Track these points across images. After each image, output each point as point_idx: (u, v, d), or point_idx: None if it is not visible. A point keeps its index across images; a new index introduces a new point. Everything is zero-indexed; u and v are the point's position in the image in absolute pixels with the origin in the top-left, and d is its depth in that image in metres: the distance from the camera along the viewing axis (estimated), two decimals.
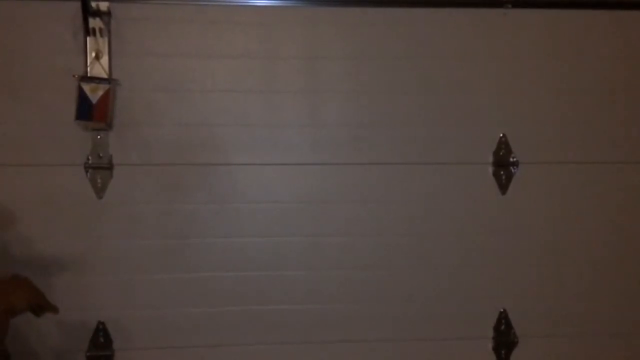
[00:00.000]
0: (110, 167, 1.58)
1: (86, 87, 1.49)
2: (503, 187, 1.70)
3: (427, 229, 1.69)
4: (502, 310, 1.73)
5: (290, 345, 1.67)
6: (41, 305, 1.20)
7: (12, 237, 1.54)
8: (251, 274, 1.65)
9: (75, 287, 1.58)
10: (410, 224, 1.68)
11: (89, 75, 1.53)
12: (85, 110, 1.49)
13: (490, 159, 1.69)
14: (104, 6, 1.53)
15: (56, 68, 1.53)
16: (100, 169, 1.57)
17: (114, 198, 1.58)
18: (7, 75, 1.54)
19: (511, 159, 1.69)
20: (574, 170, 1.71)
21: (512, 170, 1.69)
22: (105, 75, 1.53)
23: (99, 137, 1.57)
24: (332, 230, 1.66)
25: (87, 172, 1.57)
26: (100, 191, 1.58)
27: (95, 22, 1.52)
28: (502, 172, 1.69)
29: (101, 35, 1.54)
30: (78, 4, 1.49)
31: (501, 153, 1.69)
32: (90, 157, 1.57)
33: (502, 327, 1.73)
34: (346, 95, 1.65)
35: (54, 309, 1.22)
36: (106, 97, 1.50)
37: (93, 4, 1.51)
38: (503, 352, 1.73)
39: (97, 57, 1.54)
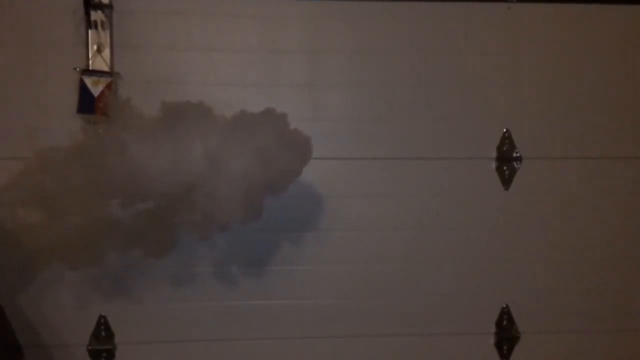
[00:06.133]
0: None
1: (88, 81, 1.49)
2: (506, 182, 1.69)
3: (429, 224, 1.68)
4: (504, 305, 1.73)
5: (292, 340, 1.68)
6: None
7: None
8: (254, 269, 1.65)
9: (77, 281, 1.58)
10: (412, 219, 1.68)
11: (90, 68, 1.52)
12: (87, 104, 1.49)
13: (494, 154, 1.68)
14: None
15: (57, 61, 1.53)
16: None
17: None
18: (9, 69, 1.53)
19: (514, 154, 1.68)
20: (578, 166, 1.70)
21: (516, 166, 1.69)
22: (107, 69, 1.53)
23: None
24: (334, 225, 1.66)
25: None
26: None
27: (97, 15, 1.52)
28: (505, 168, 1.68)
29: (103, 28, 1.53)
30: None
31: (505, 148, 1.68)
32: None
33: (504, 322, 1.73)
34: (349, 89, 1.64)
35: None
36: (108, 91, 1.50)
37: None
38: (505, 347, 1.73)
39: (99, 50, 1.53)
